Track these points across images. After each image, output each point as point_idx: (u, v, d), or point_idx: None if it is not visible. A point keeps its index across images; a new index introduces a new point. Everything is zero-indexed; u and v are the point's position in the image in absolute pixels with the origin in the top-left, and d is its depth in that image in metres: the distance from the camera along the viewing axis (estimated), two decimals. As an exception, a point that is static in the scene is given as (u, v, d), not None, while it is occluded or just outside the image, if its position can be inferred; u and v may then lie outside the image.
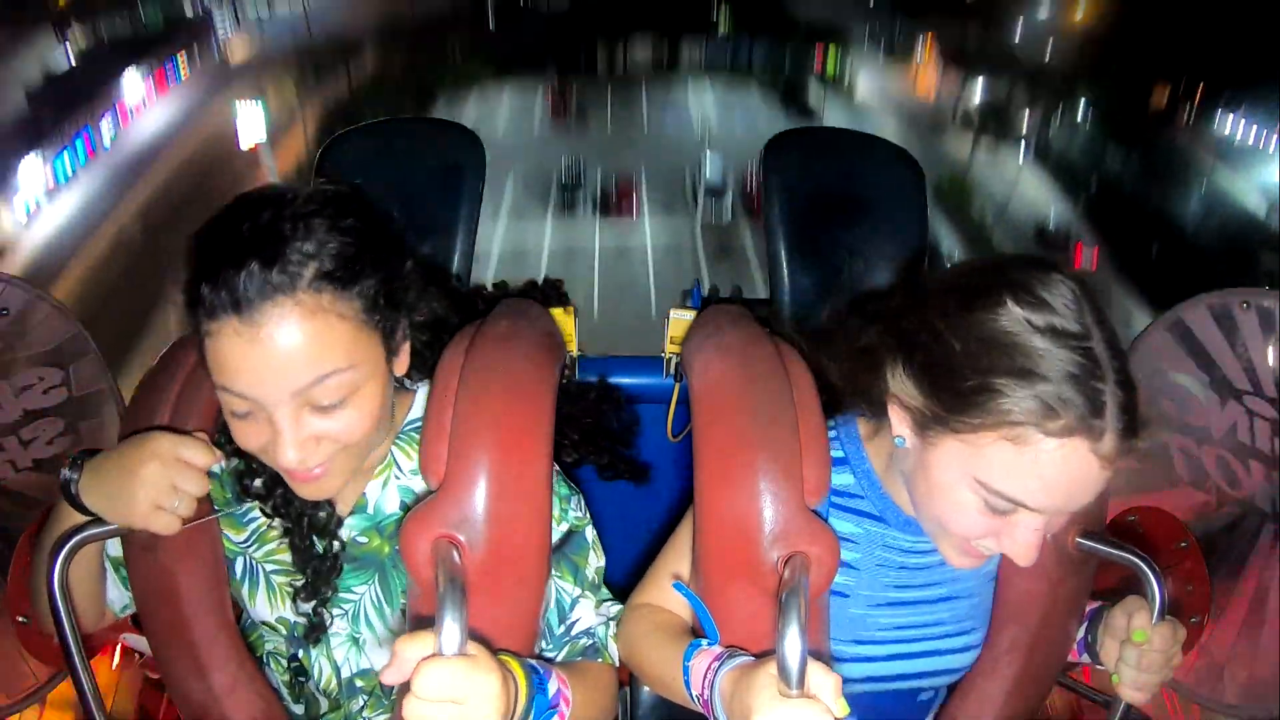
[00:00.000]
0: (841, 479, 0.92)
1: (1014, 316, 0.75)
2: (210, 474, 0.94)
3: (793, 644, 0.68)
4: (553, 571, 0.91)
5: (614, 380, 1.24)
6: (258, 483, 0.93)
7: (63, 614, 0.86)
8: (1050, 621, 0.97)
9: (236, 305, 0.74)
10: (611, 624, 0.98)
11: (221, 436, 0.91)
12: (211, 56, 23.02)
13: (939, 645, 0.96)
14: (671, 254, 19.28)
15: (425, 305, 0.92)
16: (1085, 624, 1.00)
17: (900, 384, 0.83)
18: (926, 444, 0.81)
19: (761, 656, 0.75)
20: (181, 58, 21.94)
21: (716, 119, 24.91)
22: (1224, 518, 1.23)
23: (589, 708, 0.89)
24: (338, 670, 0.96)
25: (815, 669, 0.69)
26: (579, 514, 0.95)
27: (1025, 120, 20.54)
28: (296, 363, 0.76)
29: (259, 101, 18.90)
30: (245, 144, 18.33)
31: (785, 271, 1.34)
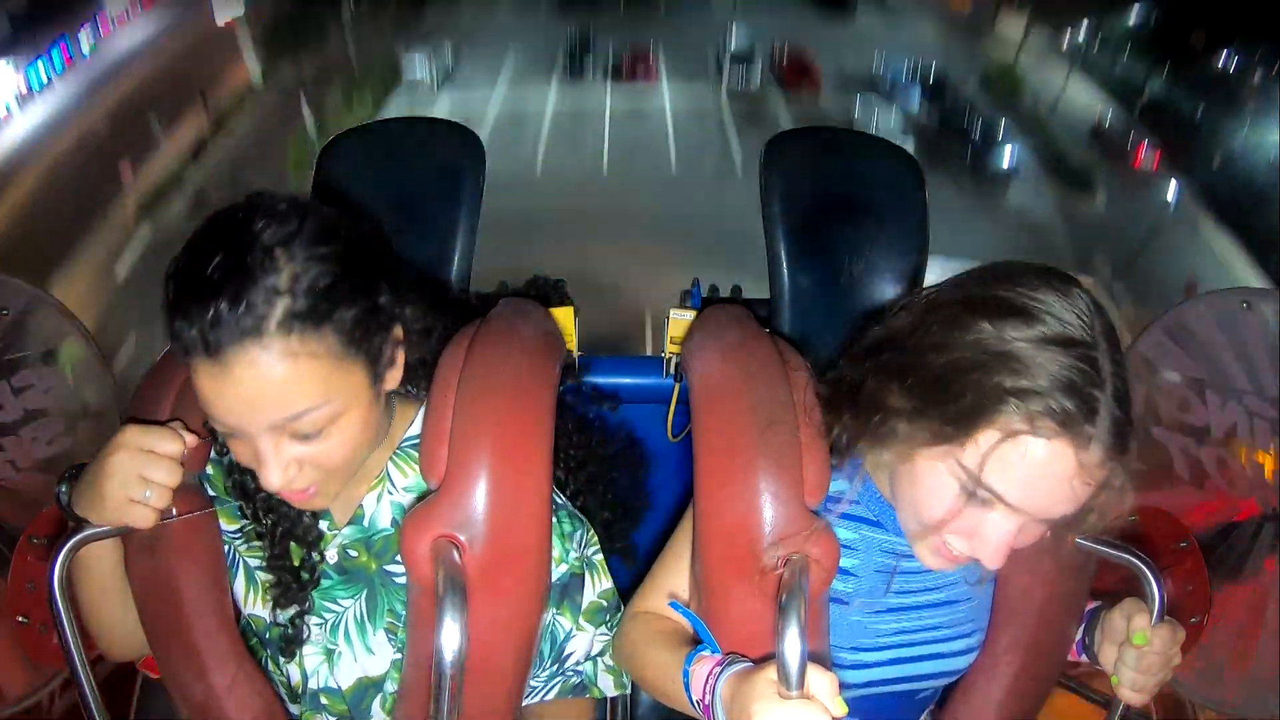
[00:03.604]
0: (837, 485, 0.92)
1: (1019, 330, 0.75)
2: (220, 463, 0.95)
3: (792, 645, 0.68)
4: (551, 607, 0.91)
5: (614, 380, 1.24)
6: (245, 481, 0.93)
7: (63, 614, 0.86)
8: (1049, 622, 0.97)
9: (206, 347, 0.73)
10: (601, 659, 0.98)
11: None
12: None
13: (938, 649, 0.96)
14: (694, 118, 17.40)
15: (422, 318, 0.91)
16: (1083, 624, 1.00)
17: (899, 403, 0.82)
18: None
19: (761, 662, 0.75)
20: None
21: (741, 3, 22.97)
22: (1224, 518, 1.23)
23: None
24: (305, 679, 0.95)
25: (812, 669, 0.69)
26: (578, 553, 0.94)
27: (1068, 35, 19.55)
28: (268, 403, 0.76)
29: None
30: (220, 19, 17.18)
31: (785, 271, 1.34)
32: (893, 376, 0.82)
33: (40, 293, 1.24)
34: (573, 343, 1.23)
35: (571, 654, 0.95)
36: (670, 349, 1.32)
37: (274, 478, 0.80)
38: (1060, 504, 0.77)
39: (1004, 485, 0.76)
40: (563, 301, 1.22)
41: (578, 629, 0.95)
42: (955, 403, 0.76)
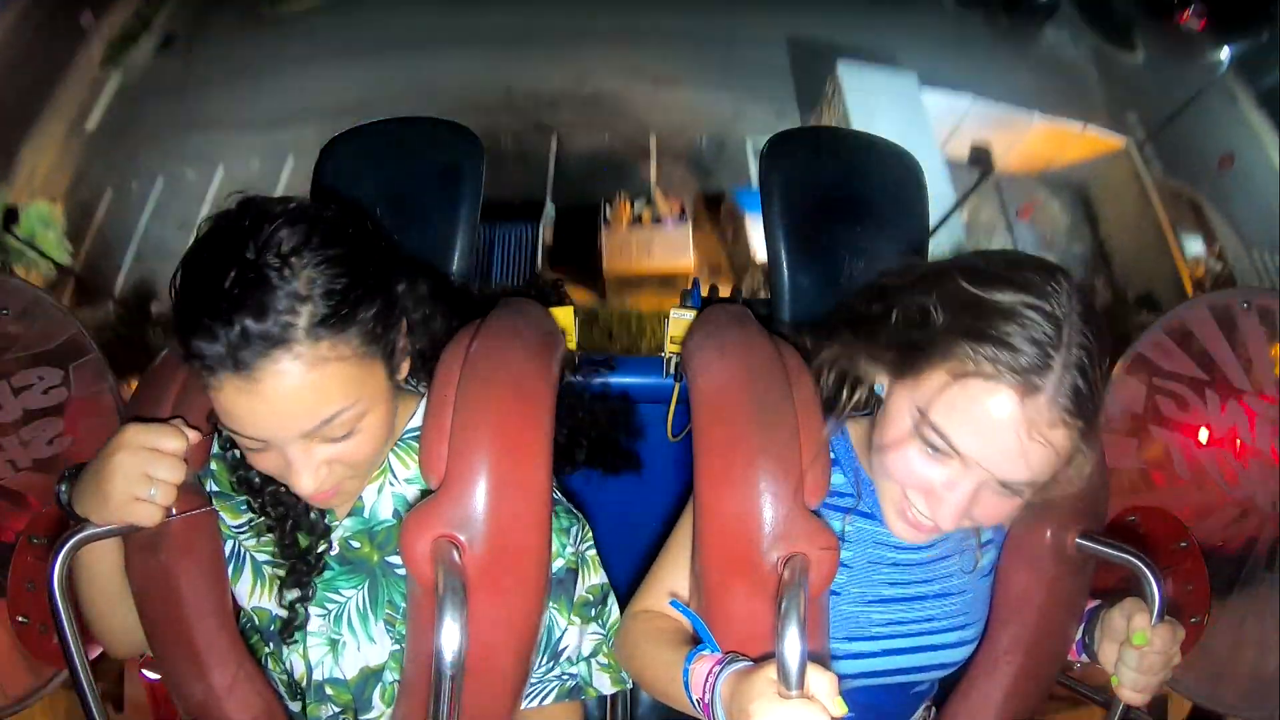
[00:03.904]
0: (833, 478, 0.93)
1: (995, 292, 0.78)
2: (224, 458, 0.95)
3: (792, 645, 0.68)
4: (550, 603, 0.92)
5: (613, 379, 1.23)
6: (251, 476, 0.93)
7: (62, 614, 0.86)
8: (1049, 621, 0.97)
9: (235, 363, 0.73)
10: (595, 660, 0.98)
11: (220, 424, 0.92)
12: None
13: (932, 640, 0.97)
14: None
15: (424, 313, 0.92)
16: (1083, 623, 1.00)
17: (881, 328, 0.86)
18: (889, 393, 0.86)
19: (761, 660, 0.76)
20: None
21: None
22: (1224, 518, 1.23)
23: None
24: (310, 670, 0.96)
25: (812, 669, 0.69)
26: (573, 549, 0.95)
27: None
28: (301, 412, 0.77)
29: None
30: None
31: (785, 271, 1.33)
32: (880, 312, 0.86)
33: (40, 292, 1.24)
34: (573, 341, 1.23)
35: (565, 648, 0.95)
36: (670, 349, 1.31)
37: (307, 484, 0.80)
38: (1009, 458, 0.78)
39: (951, 427, 0.78)
40: (562, 301, 1.22)
41: (568, 623, 0.95)
42: (919, 339, 0.80)
